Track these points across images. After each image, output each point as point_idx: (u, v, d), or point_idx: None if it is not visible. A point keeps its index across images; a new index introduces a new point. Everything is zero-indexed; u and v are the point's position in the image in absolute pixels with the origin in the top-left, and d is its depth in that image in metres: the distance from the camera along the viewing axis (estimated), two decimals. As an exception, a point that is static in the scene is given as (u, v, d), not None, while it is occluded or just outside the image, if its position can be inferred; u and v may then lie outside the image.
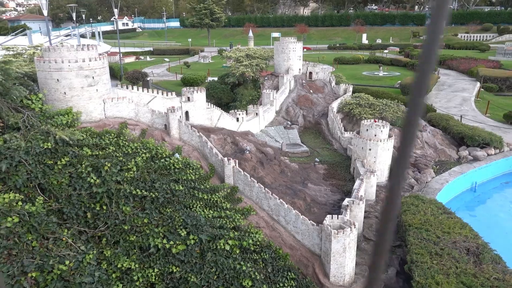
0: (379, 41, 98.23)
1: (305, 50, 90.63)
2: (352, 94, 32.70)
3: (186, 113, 21.07)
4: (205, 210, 14.25)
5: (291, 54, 33.88)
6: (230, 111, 25.76)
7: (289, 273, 14.08)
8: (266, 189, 15.93)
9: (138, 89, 19.67)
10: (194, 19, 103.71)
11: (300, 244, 15.35)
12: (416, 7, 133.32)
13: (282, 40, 34.38)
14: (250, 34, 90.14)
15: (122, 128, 16.74)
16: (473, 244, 14.93)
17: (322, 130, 29.19)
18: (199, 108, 21.33)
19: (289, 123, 29.69)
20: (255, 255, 13.91)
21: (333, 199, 20.47)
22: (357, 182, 20.35)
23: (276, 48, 34.76)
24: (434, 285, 12.89)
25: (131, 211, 12.78)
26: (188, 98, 21.08)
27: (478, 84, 45.92)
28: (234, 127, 24.69)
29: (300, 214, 15.21)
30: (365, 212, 20.00)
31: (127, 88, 19.37)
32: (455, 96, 42.82)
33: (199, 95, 21.25)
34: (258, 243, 14.13)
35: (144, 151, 15.49)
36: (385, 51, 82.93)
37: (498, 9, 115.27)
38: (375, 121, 23.33)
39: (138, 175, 13.76)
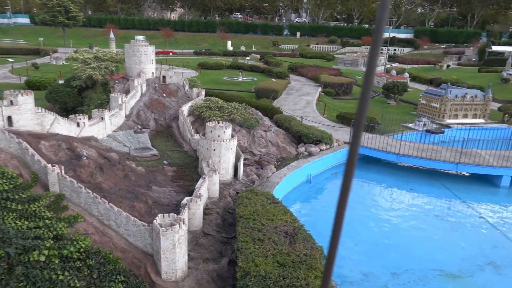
0: (243, 48, 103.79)
1: (170, 54, 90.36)
2: (204, 98, 33.93)
3: (9, 118, 19.05)
4: (18, 222, 13.14)
5: (143, 57, 33.44)
6: (70, 116, 24.18)
7: (118, 276, 13.94)
8: (94, 194, 15.48)
9: None
10: (46, 16, 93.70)
11: (133, 246, 15.36)
12: (276, 19, 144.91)
13: (132, 43, 33.67)
14: (112, 35, 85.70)
15: None
16: (290, 227, 17.04)
17: (173, 133, 29.57)
18: (26, 113, 19.50)
19: (140, 127, 29.28)
20: (79, 262, 13.40)
21: (176, 200, 20.93)
22: (200, 181, 21.27)
23: (127, 51, 33.88)
24: (254, 267, 14.31)
25: None
26: (12, 101, 19.09)
27: (320, 89, 52.40)
28: (73, 133, 23.25)
29: (130, 216, 15.21)
30: (207, 209, 21.05)
31: None
32: (301, 99, 47.97)
33: (25, 99, 19.42)
34: (82, 250, 13.65)
35: None
36: (247, 58, 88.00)
37: (342, 24, 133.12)
38: (218, 123, 24.71)
39: None
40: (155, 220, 14.87)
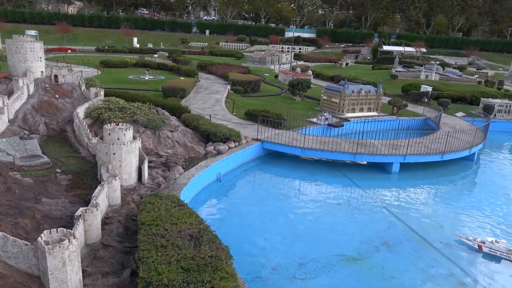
0: (150, 45, 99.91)
1: (69, 51, 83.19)
2: (104, 98, 31.62)
3: None
4: None
5: (29, 55, 29.92)
6: None
7: (-5, 307, 12.14)
8: (-39, 214, 13.27)
9: None
10: None
11: (14, 270, 13.50)
12: (184, 16, 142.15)
13: (15, 39, 29.91)
14: (-5, 30, 76.29)
15: None
16: (195, 230, 16.56)
17: (68, 137, 26.99)
18: None
19: (27, 132, 26.15)
20: None
21: (71, 211, 19.06)
22: (97, 188, 19.65)
23: (9, 47, 30.01)
24: (156, 276, 13.56)
25: None
26: None
27: (229, 87, 52.55)
28: None
29: (8, 236, 13.35)
30: (107, 218, 19.55)
31: None
32: (210, 97, 47.56)
33: None
34: None
35: None
36: (155, 55, 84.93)
37: (250, 23, 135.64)
38: (117, 125, 23.15)
39: None
40: (39, 238, 13.24)
